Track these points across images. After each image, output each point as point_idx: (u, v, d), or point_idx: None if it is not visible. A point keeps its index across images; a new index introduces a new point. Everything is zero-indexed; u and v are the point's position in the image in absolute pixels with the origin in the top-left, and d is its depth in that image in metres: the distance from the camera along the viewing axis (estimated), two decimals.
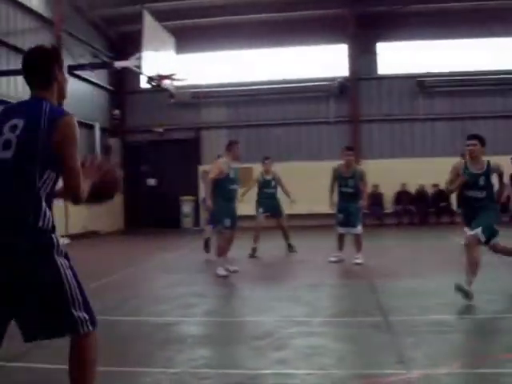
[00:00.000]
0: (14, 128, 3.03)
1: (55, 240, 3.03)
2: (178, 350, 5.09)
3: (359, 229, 10.77)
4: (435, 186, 19.86)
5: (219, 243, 9.62)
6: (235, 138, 22.52)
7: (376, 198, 20.32)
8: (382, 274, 9.28)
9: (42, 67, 3.23)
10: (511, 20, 20.78)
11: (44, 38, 18.52)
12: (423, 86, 21.57)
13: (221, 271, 9.26)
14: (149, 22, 12.96)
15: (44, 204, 2.98)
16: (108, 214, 21.73)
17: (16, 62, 17.07)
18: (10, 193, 2.94)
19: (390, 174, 20.38)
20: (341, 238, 11.01)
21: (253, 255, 11.96)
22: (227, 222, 9.38)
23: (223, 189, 9.37)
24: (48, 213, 3.00)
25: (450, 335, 5.38)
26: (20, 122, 3.04)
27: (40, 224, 2.94)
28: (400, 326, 5.73)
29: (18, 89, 17.38)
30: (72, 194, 3.08)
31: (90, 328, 3.10)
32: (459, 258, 7.64)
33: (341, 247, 10.98)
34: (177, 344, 5.30)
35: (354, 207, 10.71)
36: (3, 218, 2.92)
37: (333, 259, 10.79)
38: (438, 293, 7.46)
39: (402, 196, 20.93)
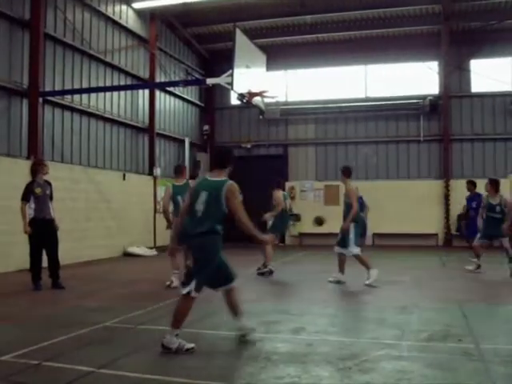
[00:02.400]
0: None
1: None
2: (261, 367, 5.06)
3: (350, 251, 10.48)
4: None
5: None
6: (322, 155, 22.70)
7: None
8: (473, 298, 8.97)
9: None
10: None
11: (139, 56, 19.21)
12: None
13: None
14: (240, 40, 13.10)
15: None
16: None
17: (112, 79, 17.76)
18: None
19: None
20: (339, 258, 10.84)
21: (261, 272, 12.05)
22: None
23: None
24: None
25: None
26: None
27: None
28: (493, 354, 5.47)
29: (113, 104, 18.05)
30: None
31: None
32: None
33: (340, 268, 10.80)
34: (261, 360, 5.28)
35: (342, 227, 10.49)
36: None
37: (331, 279, 10.79)
38: None
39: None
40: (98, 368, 4.94)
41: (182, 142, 22.24)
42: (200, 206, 5.76)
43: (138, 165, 19.44)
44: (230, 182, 5.80)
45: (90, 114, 16.79)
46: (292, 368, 5.00)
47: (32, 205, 10.05)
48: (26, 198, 10.03)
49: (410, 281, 11.21)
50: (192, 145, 22.86)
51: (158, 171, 19.80)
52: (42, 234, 10.09)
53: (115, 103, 18.06)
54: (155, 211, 19.48)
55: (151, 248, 18.44)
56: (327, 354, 5.47)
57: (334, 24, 21.30)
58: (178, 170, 10.74)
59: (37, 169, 10.35)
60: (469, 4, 19.77)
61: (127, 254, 17.08)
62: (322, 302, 8.84)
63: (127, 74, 18.57)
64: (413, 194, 20.88)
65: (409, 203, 20.67)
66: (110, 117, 17.71)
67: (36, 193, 10.08)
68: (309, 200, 22.58)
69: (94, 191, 15.86)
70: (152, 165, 19.70)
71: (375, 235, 21.02)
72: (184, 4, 18.62)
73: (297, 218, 22.44)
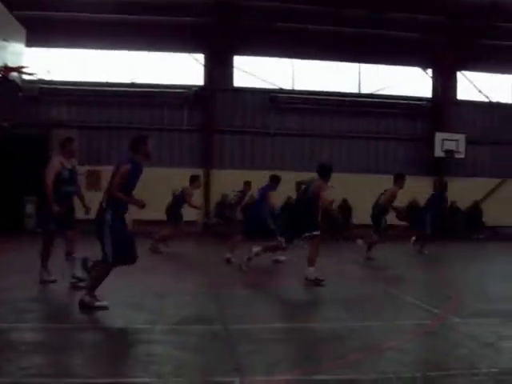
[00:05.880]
0: None
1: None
2: (8, 359, 4.80)
3: None
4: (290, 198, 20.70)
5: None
6: (85, 139, 22.02)
7: (224, 208, 20.51)
8: (227, 284, 9.40)
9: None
10: (374, 48, 22.13)
11: None
12: (276, 101, 22.26)
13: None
14: None
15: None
16: None
17: None
18: None
19: (239, 185, 20.65)
20: None
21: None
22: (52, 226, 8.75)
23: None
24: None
25: (287, 343, 5.56)
26: None
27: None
28: (239, 334, 5.85)
29: None
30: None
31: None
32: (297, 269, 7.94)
33: None
34: (7, 352, 5.01)
35: None
36: None
37: None
38: (277, 302, 7.72)
39: (249, 207, 21.26)
40: None
41: None
42: None
43: None
44: None
45: None
46: (40, 357, 4.84)
47: None
48: None
49: (174, 266, 11.44)
50: None
51: None
52: None
53: None
54: None
55: None
56: (77, 341, 5.39)
57: (105, 5, 20.67)
58: None
59: None
60: (240, 2, 20.56)
61: None
62: (75, 291, 8.54)
63: None
64: (176, 182, 21.19)
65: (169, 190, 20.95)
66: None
67: None
68: None
69: None
70: None
71: (135, 222, 20.94)
72: None
73: None
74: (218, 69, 22.24)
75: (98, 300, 6.73)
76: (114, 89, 21.88)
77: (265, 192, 12.65)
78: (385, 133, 23.08)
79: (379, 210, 13.25)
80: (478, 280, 10.81)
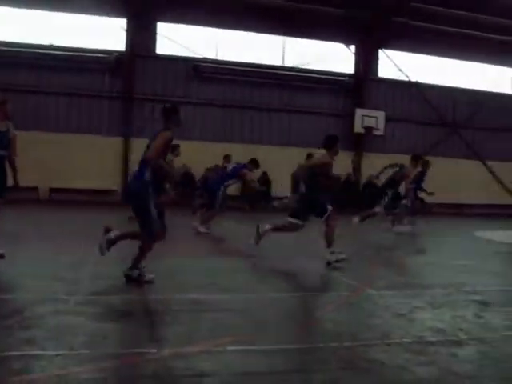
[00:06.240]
0: None
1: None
2: None
3: None
4: (209, 169, 20.46)
5: None
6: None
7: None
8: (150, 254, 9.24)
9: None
10: (300, 22, 22.15)
11: None
12: (198, 70, 22.08)
13: None
14: None
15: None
16: None
17: None
18: None
19: None
20: None
21: None
22: None
23: None
24: None
25: (204, 314, 5.54)
26: None
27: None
28: (156, 304, 5.82)
29: None
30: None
31: None
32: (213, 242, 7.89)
33: None
34: None
35: None
36: None
37: None
38: (195, 273, 7.70)
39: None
40: None
41: None
42: None
43: None
44: None
45: None
46: None
47: None
48: None
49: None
50: None
51: None
52: None
53: None
54: None
55: None
56: None
57: None
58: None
59: None
60: None
61: None
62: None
63: None
64: (95, 150, 20.72)
65: (90, 159, 20.48)
66: None
67: None
68: None
69: None
70: None
71: (52, 190, 20.38)
72: None
73: None
74: (141, 35, 21.72)
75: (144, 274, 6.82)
76: (31, 50, 20.92)
77: (239, 169, 12.67)
78: (307, 107, 23.30)
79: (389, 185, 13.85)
80: (395, 254, 11.20)
